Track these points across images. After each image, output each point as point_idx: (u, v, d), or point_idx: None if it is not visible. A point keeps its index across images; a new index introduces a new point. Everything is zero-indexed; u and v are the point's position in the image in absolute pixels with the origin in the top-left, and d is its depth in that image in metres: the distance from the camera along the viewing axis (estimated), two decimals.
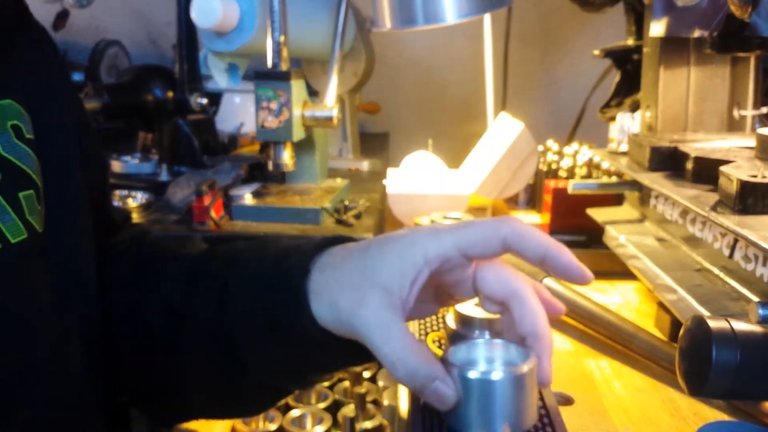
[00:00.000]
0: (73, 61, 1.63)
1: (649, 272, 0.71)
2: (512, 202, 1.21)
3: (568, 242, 1.03)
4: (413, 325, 0.67)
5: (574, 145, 1.22)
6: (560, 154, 1.21)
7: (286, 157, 1.00)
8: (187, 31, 1.25)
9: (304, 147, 1.12)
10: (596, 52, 1.08)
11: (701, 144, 0.76)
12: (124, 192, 1.15)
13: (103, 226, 0.59)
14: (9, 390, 0.43)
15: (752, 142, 0.71)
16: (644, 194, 0.85)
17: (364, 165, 1.48)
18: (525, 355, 0.47)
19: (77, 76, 1.52)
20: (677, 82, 0.88)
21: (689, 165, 0.70)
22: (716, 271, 0.66)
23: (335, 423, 0.84)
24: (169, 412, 0.59)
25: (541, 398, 0.53)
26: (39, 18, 0.55)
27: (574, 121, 1.54)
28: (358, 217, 1.06)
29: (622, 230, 0.83)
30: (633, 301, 0.83)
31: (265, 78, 0.96)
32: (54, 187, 0.49)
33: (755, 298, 0.58)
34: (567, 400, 0.59)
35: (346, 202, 1.11)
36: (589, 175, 1.11)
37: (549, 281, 0.75)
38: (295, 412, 0.85)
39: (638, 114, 0.97)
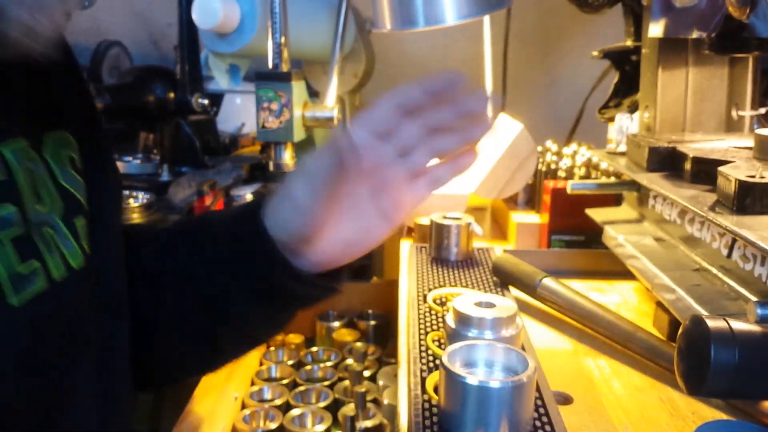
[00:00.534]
0: None
1: (648, 272, 0.71)
2: (511, 202, 1.21)
3: (568, 242, 1.03)
4: (414, 325, 0.67)
5: (573, 146, 1.22)
6: (559, 154, 1.21)
7: (287, 157, 1.00)
8: (189, 32, 1.26)
9: (304, 147, 1.12)
10: (595, 53, 1.08)
11: (699, 144, 0.76)
12: (126, 192, 1.15)
13: None
14: (58, 406, 0.46)
15: (750, 143, 0.71)
16: (643, 194, 0.85)
17: None
18: (525, 362, 0.47)
19: None
20: (676, 82, 0.89)
21: (688, 165, 0.70)
22: (714, 270, 0.66)
23: (335, 422, 0.84)
24: (155, 372, 0.64)
25: (540, 397, 0.53)
26: None
27: (573, 122, 1.54)
28: None
29: (620, 230, 0.83)
30: (632, 300, 0.84)
31: (266, 79, 0.96)
32: (97, 211, 0.52)
33: (753, 298, 0.59)
34: (566, 399, 0.60)
35: None
36: (587, 176, 1.12)
37: (548, 281, 0.75)
38: (295, 411, 0.85)
39: (637, 115, 0.97)
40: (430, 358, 0.60)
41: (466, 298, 0.58)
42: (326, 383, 0.94)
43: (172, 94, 1.27)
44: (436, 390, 0.53)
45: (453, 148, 0.57)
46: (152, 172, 1.32)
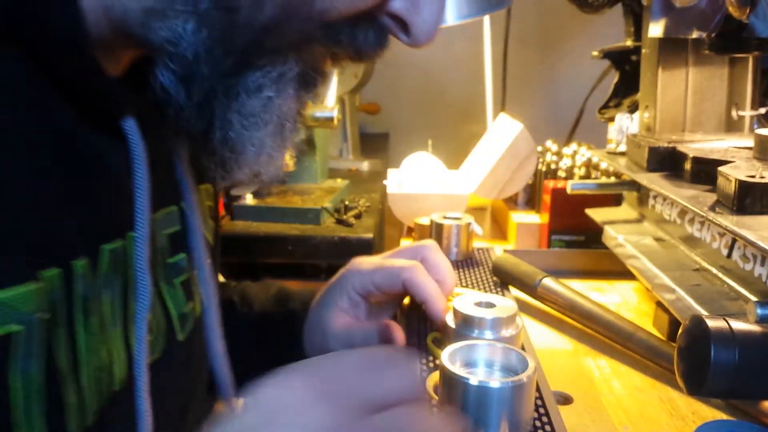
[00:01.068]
0: None
1: (648, 272, 0.71)
2: (511, 202, 1.22)
3: (567, 242, 1.03)
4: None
5: (573, 146, 1.22)
6: (559, 154, 1.21)
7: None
8: None
9: (304, 147, 1.12)
10: (595, 53, 1.08)
11: (699, 144, 0.76)
12: None
13: None
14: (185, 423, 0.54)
15: (750, 143, 0.71)
16: (643, 194, 0.85)
17: (364, 165, 1.49)
18: (525, 362, 0.47)
19: None
20: (676, 82, 0.89)
21: (687, 165, 0.70)
22: (714, 270, 0.66)
23: None
24: None
25: (540, 397, 0.53)
26: None
27: (572, 122, 1.54)
28: (358, 217, 1.07)
29: (620, 230, 0.83)
30: (631, 300, 0.84)
31: None
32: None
33: (753, 298, 0.58)
34: (566, 399, 0.60)
35: (347, 202, 1.12)
36: (587, 176, 1.12)
37: (548, 281, 0.75)
38: None
39: (637, 115, 0.97)
40: (430, 358, 0.60)
41: (466, 298, 0.58)
42: None
43: None
44: (435, 390, 0.53)
45: None
46: None
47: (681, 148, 0.74)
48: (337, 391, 0.33)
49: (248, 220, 1.03)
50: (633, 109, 1.02)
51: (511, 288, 0.79)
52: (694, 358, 0.46)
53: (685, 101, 0.89)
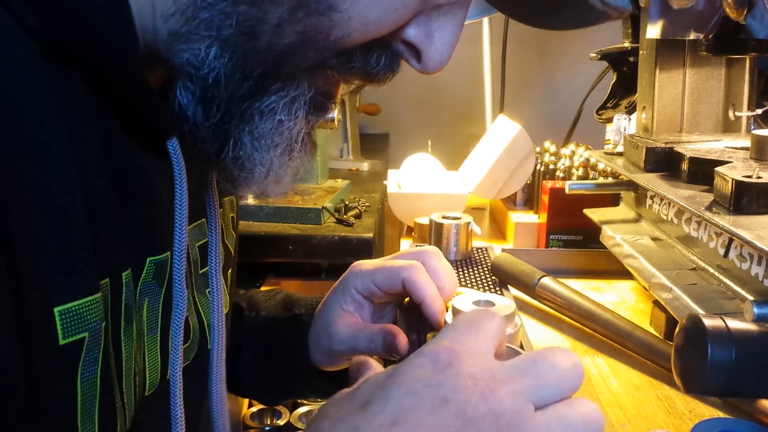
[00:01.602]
0: None
1: (645, 271, 0.72)
2: (510, 202, 1.22)
3: (566, 242, 1.04)
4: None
5: (571, 146, 1.23)
6: (557, 155, 1.22)
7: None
8: None
9: None
10: (593, 54, 1.09)
11: (696, 145, 0.77)
12: None
13: None
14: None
15: (747, 143, 0.72)
16: (640, 194, 0.86)
17: (365, 165, 1.49)
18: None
19: None
20: (673, 83, 0.89)
21: (685, 166, 0.71)
22: (711, 270, 0.66)
23: None
24: None
25: None
26: None
27: (571, 123, 1.55)
28: (358, 216, 1.07)
29: (618, 230, 0.84)
30: (629, 299, 0.84)
31: None
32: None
33: (750, 297, 0.59)
34: None
35: (347, 202, 1.12)
36: (585, 176, 1.12)
37: (546, 280, 0.76)
38: (302, 409, 0.86)
39: (634, 115, 0.97)
40: None
41: (465, 297, 0.58)
42: None
43: None
44: None
45: None
46: None
47: (678, 148, 0.74)
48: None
49: (249, 220, 1.04)
50: (631, 110, 1.03)
51: (509, 287, 0.79)
52: (691, 357, 0.46)
53: (683, 102, 0.89)
